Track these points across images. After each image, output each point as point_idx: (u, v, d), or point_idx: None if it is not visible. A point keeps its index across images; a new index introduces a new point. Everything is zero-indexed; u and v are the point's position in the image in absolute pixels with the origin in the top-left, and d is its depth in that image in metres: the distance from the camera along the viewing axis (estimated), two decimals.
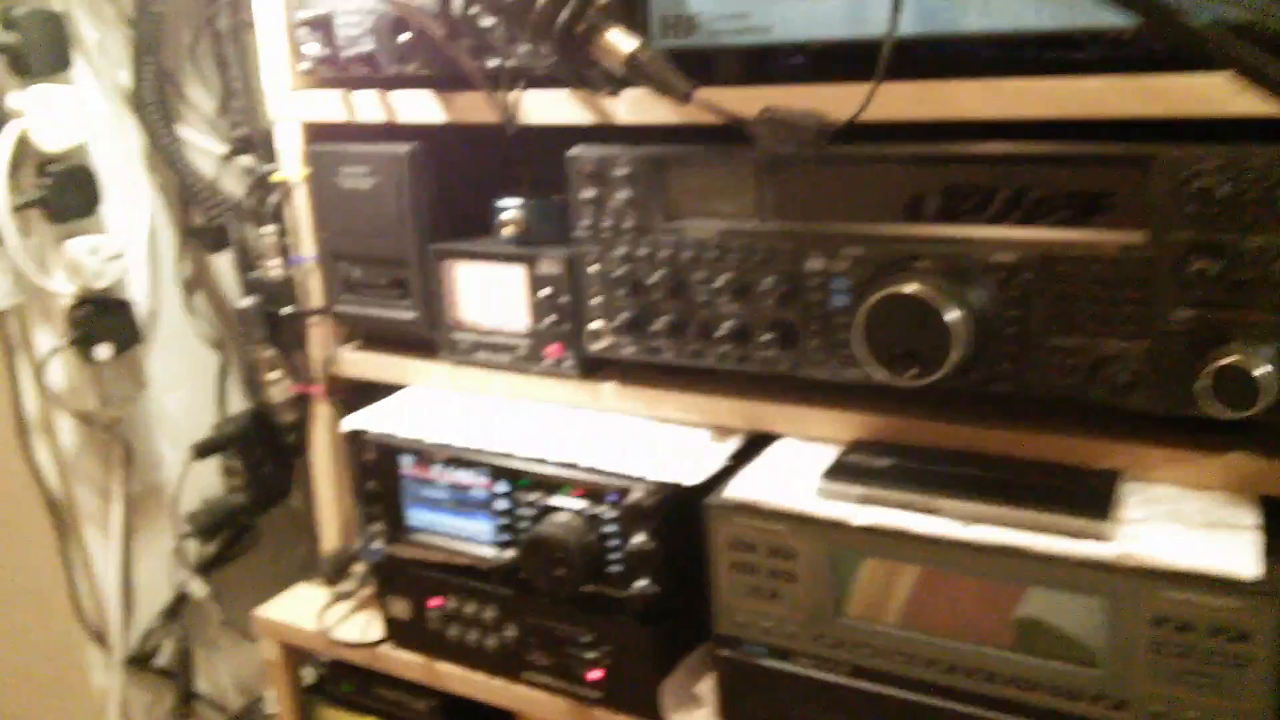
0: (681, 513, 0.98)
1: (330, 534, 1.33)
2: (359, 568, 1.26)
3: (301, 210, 1.21)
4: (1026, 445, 0.90)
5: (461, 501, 1.07)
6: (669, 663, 1.03)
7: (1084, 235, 0.82)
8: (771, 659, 0.94)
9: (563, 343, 1.09)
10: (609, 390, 1.08)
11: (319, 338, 1.25)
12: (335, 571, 1.30)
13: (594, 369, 1.10)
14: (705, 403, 1.04)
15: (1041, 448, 0.90)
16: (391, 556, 1.14)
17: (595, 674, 1.04)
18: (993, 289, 0.86)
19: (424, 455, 1.08)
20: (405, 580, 1.13)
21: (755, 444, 1.02)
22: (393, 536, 1.12)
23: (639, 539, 0.97)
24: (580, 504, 1.00)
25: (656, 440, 1.03)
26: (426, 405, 1.16)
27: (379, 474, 1.11)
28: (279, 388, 1.26)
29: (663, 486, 0.96)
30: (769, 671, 0.94)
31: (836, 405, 0.98)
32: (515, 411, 1.12)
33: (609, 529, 0.98)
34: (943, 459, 0.91)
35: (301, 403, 1.29)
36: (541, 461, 1.02)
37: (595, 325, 1.04)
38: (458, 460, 1.06)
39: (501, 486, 1.04)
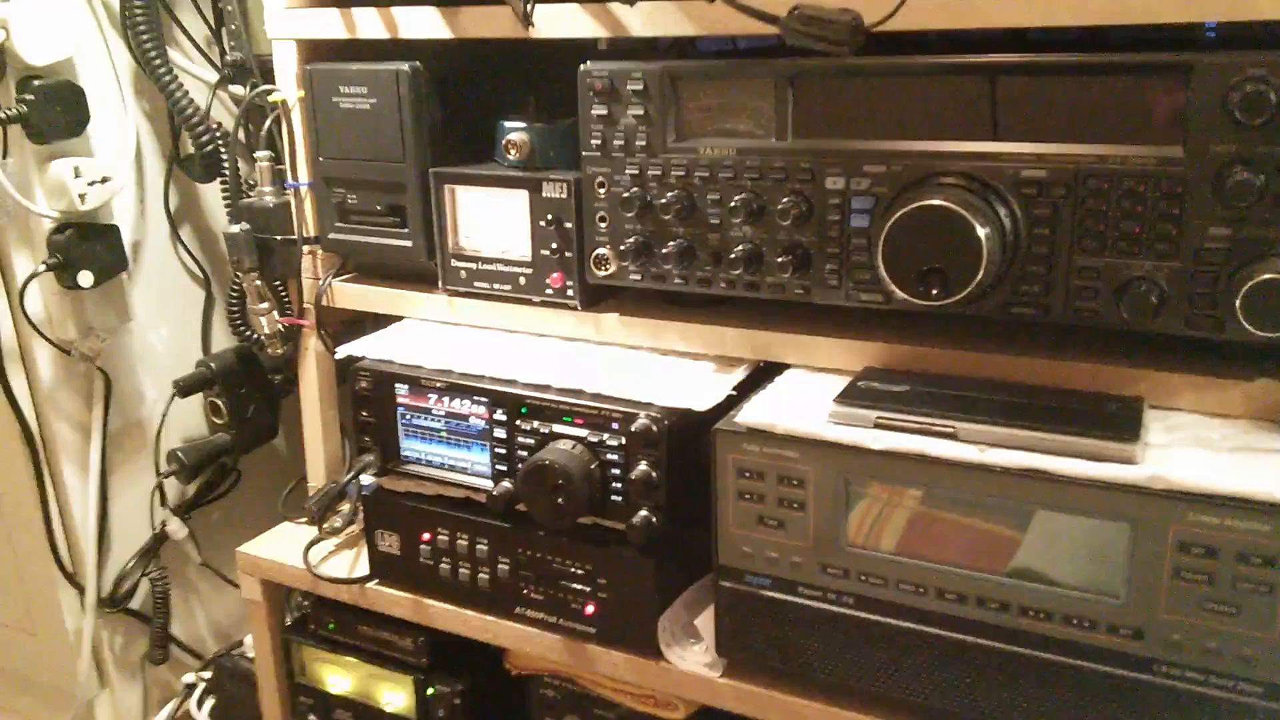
0: (686, 442, 0.95)
1: (317, 472, 1.29)
2: (346, 506, 1.22)
3: (297, 134, 1.17)
4: (1044, 372, 0.88)
5: (458, 432, 1.04)
6: (667, 597, 1.00)
7: (1118, 150, 0.80)
8: (775, 590, 0.91)
9: (565, 272, 1.05)
10: (612, 321, 1.05)
11: (311, 267, 1.21)
12: (322, 509, 1.26)
13: (597, 299, 1.07)
14: (711, 333, 1.01)
15: (1060, 374, 0.88)
16: (383, 489, 1.11)
17: (590, 608, 1.01)
18: (1021, 207, 0.84)
19: (420, 384, 1.04)
20: (396, 514, 1.10)
21: (762, 375, 0.99)
22: (385, 469, 1.09)
23: (642, 468, 0.93)
24: (582, 433, 0.96)
25: (660, 371, 1.00)
26: (422, 336, 1.12)
27: (373, 403, 1.07)
28: (267, 319, 1.22)
29: (668, 413, 0.93)
30: (772, 603, 0.91)
31: (847, 333, 0.96)
32: (514, 343, 1.09)
33: (611, 458, 0.95)
34: (959, 385, 0.89)
35: (290, 336, 1.25)
36: (543, 389, 0.99)
37: (601, 251, 1.01)
38: (455, 388, 1.03)
39: (500, 415, 1.00)
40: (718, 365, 1.01)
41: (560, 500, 0.94)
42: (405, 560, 1.10)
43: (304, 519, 1.28)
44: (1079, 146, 0.81)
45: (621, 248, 0.99)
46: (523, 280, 1.08)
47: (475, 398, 1.02)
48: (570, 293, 1.06)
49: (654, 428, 0.92)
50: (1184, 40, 0.85)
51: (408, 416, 1.06)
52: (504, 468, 1.01)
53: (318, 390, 1.26)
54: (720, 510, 0.91)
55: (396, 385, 1.06)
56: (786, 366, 0.99)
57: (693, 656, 0.97)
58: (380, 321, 1.18)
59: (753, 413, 0.89)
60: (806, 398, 0.91)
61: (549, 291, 1.07)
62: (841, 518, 0.87)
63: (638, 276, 1.01)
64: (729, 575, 0.93)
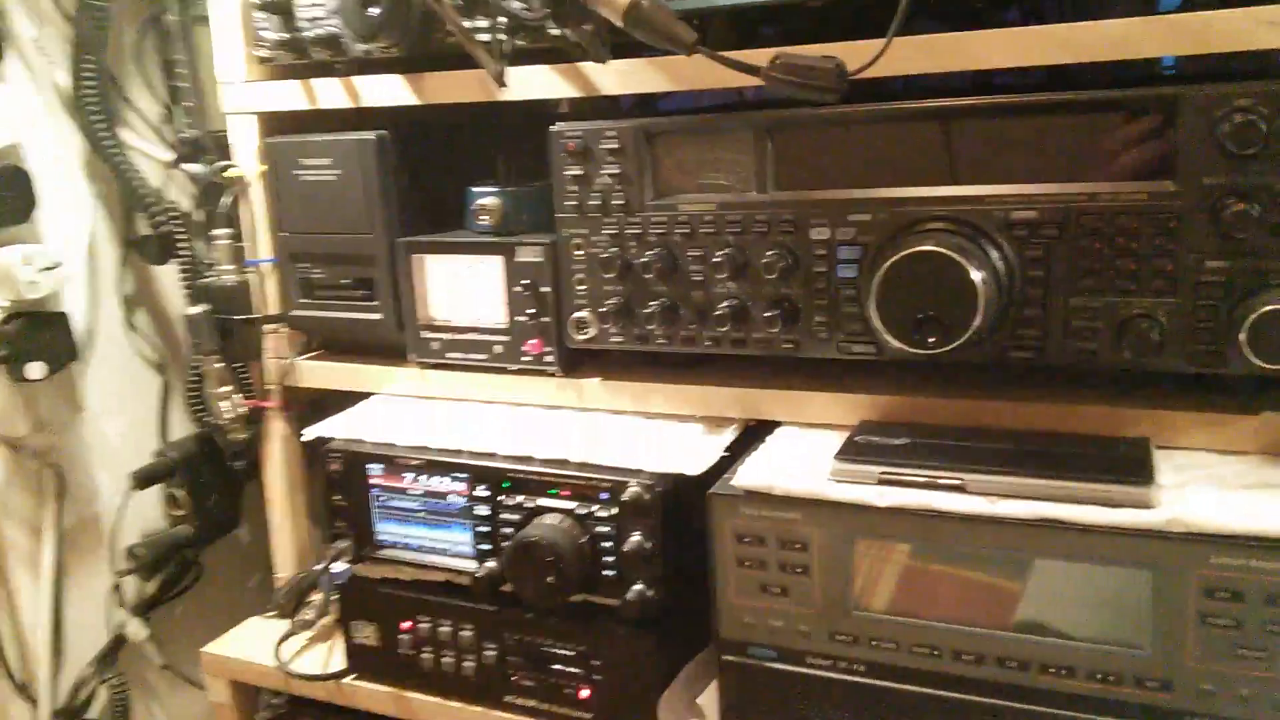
0: (679, 509, 0.91)
1: (285, 561, 1.23)
2: (318, 596, 1.16)
3: (258, 209, 1.14)
4: (1044, 417, 0.86)
5: (437, 511, 0.99)
6: (666, 675, 0.94)
7: (1109, 187, 0.78)
8: (782, 661, 0.86)
9: (543, 337, 1.02)
10: (594, 386, 1.01)
11: (275, 346, 1.17)
12: (291, 601, 1.19)
13: (577, 364, 1.03)
14: (697, 393, 0.97)
15: (1060, 418, 0.85)
16: (358, 577, 1.05)
17: (585, 692, 0.95)
18: (1013, 249, 0.82)
19: (395, 462, 0.99)
20: (373, 602, 1.04)
21: (751, 435, 0.95)
22: (360, 554, 1.03)
23: (636, 538, 0.89)
24: (570, 505, 0.92)
25: (647, 436, 0.96)
26: (394, 413, 1.08)
27: (345, 486, 1.02)
28: (229, 403, 1.17)
29: (661, 479, 0.89)
30: (779, 675, 0.86)
31: (838, 387, 0.93)
32: (492, 415, 1.04)
33: (602, 530, 0.91)
34: (959, 435, 0.86)
35: (253, 420, 1.20)
36: (525, 461, 0.95)
37: (580, 314, 0.98)
38: (433, 465, 0.98)
39: (482, 491, 0.96)
40: (707, 426, 0.97)
41: (550, 579, 0.89)
42: (384, 652, 1.04)
43: (273, 613, 1.21)
44: (1069, 185, 0.80)
45: (602, 309, 0.96)
46: (498, 348, 1.04)
47: (454, 474, 0.97)
48: (549, 359, 1.02)
49: (646, 495, 0.88)
50: (1146, 78, 0.84)
51: (382, 498, 1.01)
52: (488, 546, 0.96)
53: (284, 475, 1.21)
54: (719, 580, 0.87)
55: (369, 466, 1.01)
56: (777, 424, 0.96)
57: None
58: (347, 400, 1.13)
59: (749, 475, 0.85)
60: (802, 456, 0.88)
61: (526, 359, 1.03)
62: (848, 580, 0.83)
63: (619, 338, 0.97)
64: (731, 648, 0.88)
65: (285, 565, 1.23)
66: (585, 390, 1.02)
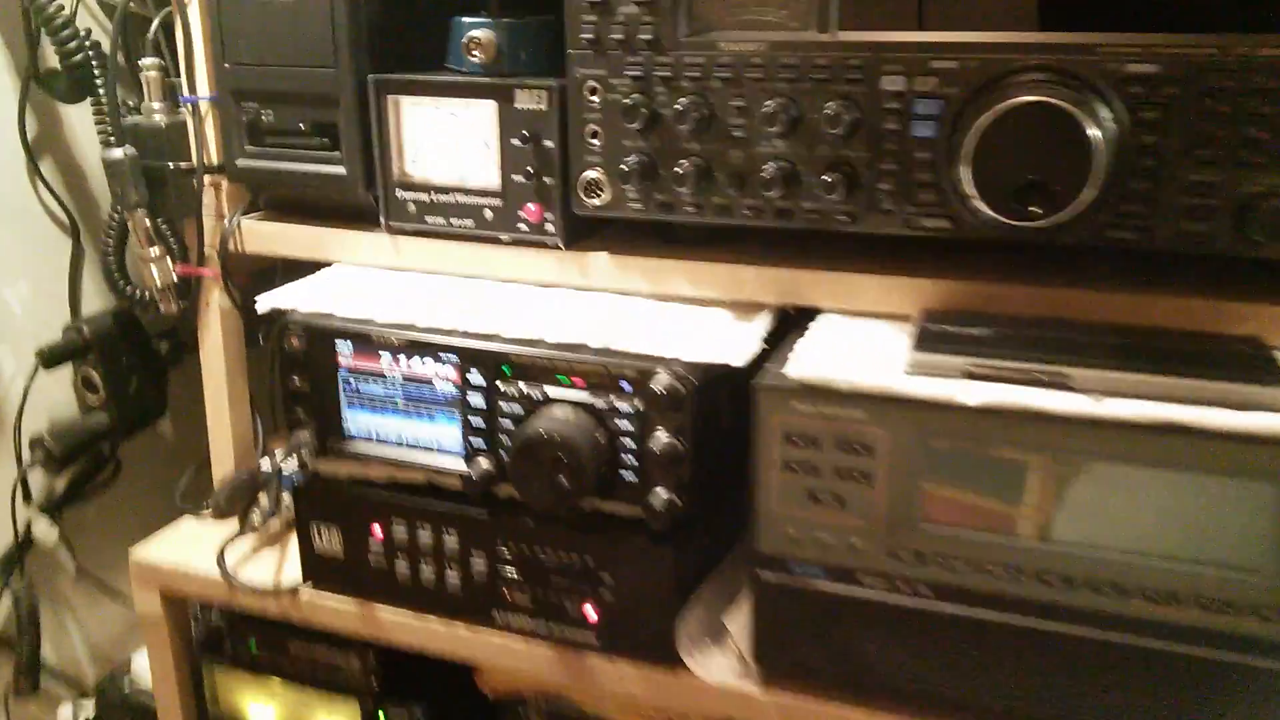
0: (712, 405, 0.78)
1: (223, 455, 1.07)
2: (263, 497, 1.01)
3: (196, 36, 0.94)
4: (1133, 309, 0.74)
5: (420, 400, 0.84)
6: (685, 594, 0.82)
7: (1245, 40, 0.66)
8: (830, 581, 0.75)
9: (543, 202, 0.86)
10: (601, 262, 0.87)
11: (215, 202, 0.99)
12: (233, 502, 1.04)
13: (581, 236, 0.88)
14: (725, 273, 0.83)
15: (1155, 311, 0.74)
16: (319, 474, 0.90)
17: (591, 612, 0.83)
18: (1125, 109, 0.69)
19: (371, 340, 0.84)
20: (337, 505, 0.89)
21: (785, 325, 0.82)
22: (323, 448, 0.88)
23: (662, 438, 0.76)
24: (583, 396, 0.78)
25: (665, 321, 0.82)
26: (362, 285, 0.92)
27: (307, 367, 0.86)
28: (159, 268, 0.99)
29: (695, 369, 0.76)
30: (825, 597, 0.75)
31: (892, 270, 0.80)
32: (478, 292, 0.89)
33: (622, 425, 0.77)
34: (1046, 326, 0.74)
35: (185, 292, 1.02)
36: (532, 343, 0.80)
37: (592, 175, 0.82)
38: (416, 346, 0.83)
39: (476, 377, 0.81)
40: (735, 313, 0.84)
41: (561, 480, 0.75)
42: (349, 561, 0.90)
43: (208, 513, 1.05)
44: (1197, 36, 0.67)
45: (623, 167, 0.81)
46: (488, 214, 0.89)
47: (442, 357, 0.82)
48: (550, 228, 0.87)
49: (680, 387, 0.74)
50: None
51: (353, 383, 0.86)
52: (481, 442, 0.82)
53: (224, 356, 1.04)
54: (761, 486, 0.75)
55: (339, 343, 0.85)
56: (815, 313, 0.83)
57: (721, 664, 0.81)
58: (299, 272, 0.96)
59: (803, 365, 0.72)
60: (856, 348, 0.75)
61: (522, 227, 0.88)
62: (918, 490, 0.71)
63: (639, 205, 0.82)
64: (770, 565, 0.76)
65: (224, 460, 1.07)
66: (591, 267, 0.87)
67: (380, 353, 0.84)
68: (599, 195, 0.83)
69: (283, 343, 0.85)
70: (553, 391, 0.79)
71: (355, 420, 0.87)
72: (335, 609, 0.92)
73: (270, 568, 0.96)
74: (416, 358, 0.83)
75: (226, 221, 0.99)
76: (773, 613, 0.77)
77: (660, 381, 0.75)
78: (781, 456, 0.74)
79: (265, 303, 0.88)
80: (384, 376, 0.85)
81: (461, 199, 0.89)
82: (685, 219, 0.82)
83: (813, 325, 0.80)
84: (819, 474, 0.73)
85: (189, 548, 1.01)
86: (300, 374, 0.86)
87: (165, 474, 1.22)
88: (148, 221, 0.98)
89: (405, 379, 0.84)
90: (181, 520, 1.06)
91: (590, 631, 0.83)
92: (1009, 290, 0.77)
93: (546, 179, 0.86)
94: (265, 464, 1.05)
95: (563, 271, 0.88)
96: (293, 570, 0.94)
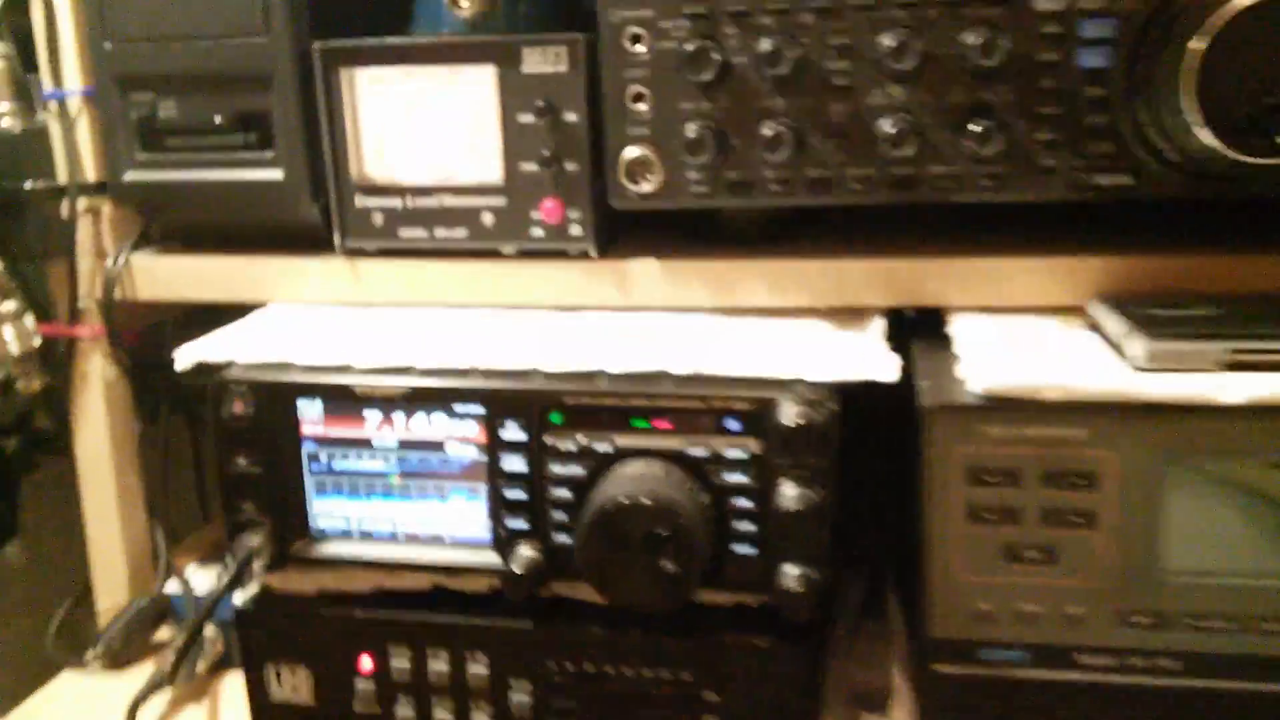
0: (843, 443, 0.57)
1: (112, 582, 0.79)
2: (180, 633, 0.74)
3: (62, 6, 0.69)
4: None
5: (424, 474, 0.60)
6: (818, 707, 0.61)
7: None
8: (1037, 667, 0.55)
9: (565, 197, 0.65)
10: (648, 272, 0.66)
11: (93, 234, 0.73)
12: (130, 645, 0.76)
13: (613, 238, 0.67)
14: (820, 273, 0.64)
15: None
16: (274, 593, 0.64)
17: None
18: None
19: (352, 396, 0.60)
20: (306, 633, 0.63)
21: (898, 333, 0.63)
22: (281, 555, 0.62)
23: (790, 492, 0.54)
24: (671, 444, 0.56)
25: (744, 339, 0.61)
26: (314, 326, 0.67)
27: (257, 440, 0.61)
28: (14, 330, 0.72)
29: (828, 393, 0.55)
30: (1031, 688, 0.55)
31: (1043, 250, 0.62)
32: (472, 329, 0.66)
33: (731, 480, 0.56)
34: (1266, 304, 0.57)
35: (53, 360, 0.75)
36: (589, 377, 0.58)
37: (637, 152, 0.62)
38: (422, 397, 0.59)
39: (514, 431, 0.58)
40: (832, 322, 0.64)
41: (666, 563, 0.53)
42: (327, 713, 0.64)
43: (96, 663, 0.77)
44: None
45: (685, 136, 0.60)
46: (488, 219, 0.67)
47: (459, 408, 0.59)
48: (575, 230, 0.65)
49: (817, 417, 0.53)
50: None
51: (324, 459, 0.61)
52: (521, 524, 0.59)
53: (109, 444, 0.77)
54: (934, 547, 0.54)
55: (302, 404, 0.60)
56: (935, 319, 0.64)
57: None
58: (216, 322, 0.71)
59: (988, 372, 0.53)
60: (1026, 350, 0.56)
61: (536, 233, 0.66)
62: (1159, 529, 0.52)
63: (703, 188, 0.62)
64: (948, 653, 0.55)
65: (112, 588, 0.79)
66: (633, 279, 0.66)
67: (364, 412, 0.60)
68: (647, 180, 0.62)
69: (220, 409, 0.60)
70: (626, 442, 0.56)
71: (328, 511, 0.62)
72: None
73: None
74: (420, 414, 0.59)
75: (111, 260, 0.73)
76: (953, 716, 0.56)
77: (788, 413, 0.54)
78: (966, 502, 0.53)
79: (186, 356, 0.62)
80: (369, 446, 0.60)
81: (449, 202, 0.67)
82: (771, 201, 0.61)
83: (956, 327, 0.61)
84: (1019, 520, 0.53)
85: (77, 715, 0.72)
86: (246, 452, 0.61)
87: (21, 621, 0.92)
88: None
89: (402, 446, 0.60)
90: (59, 677, 0.77)
91: None
92: (1209, 263, 0.60)
93: (569, 165, 0.64)
94: (171, 586, 0.78)
95: (593, 288, 0.66)
96: None
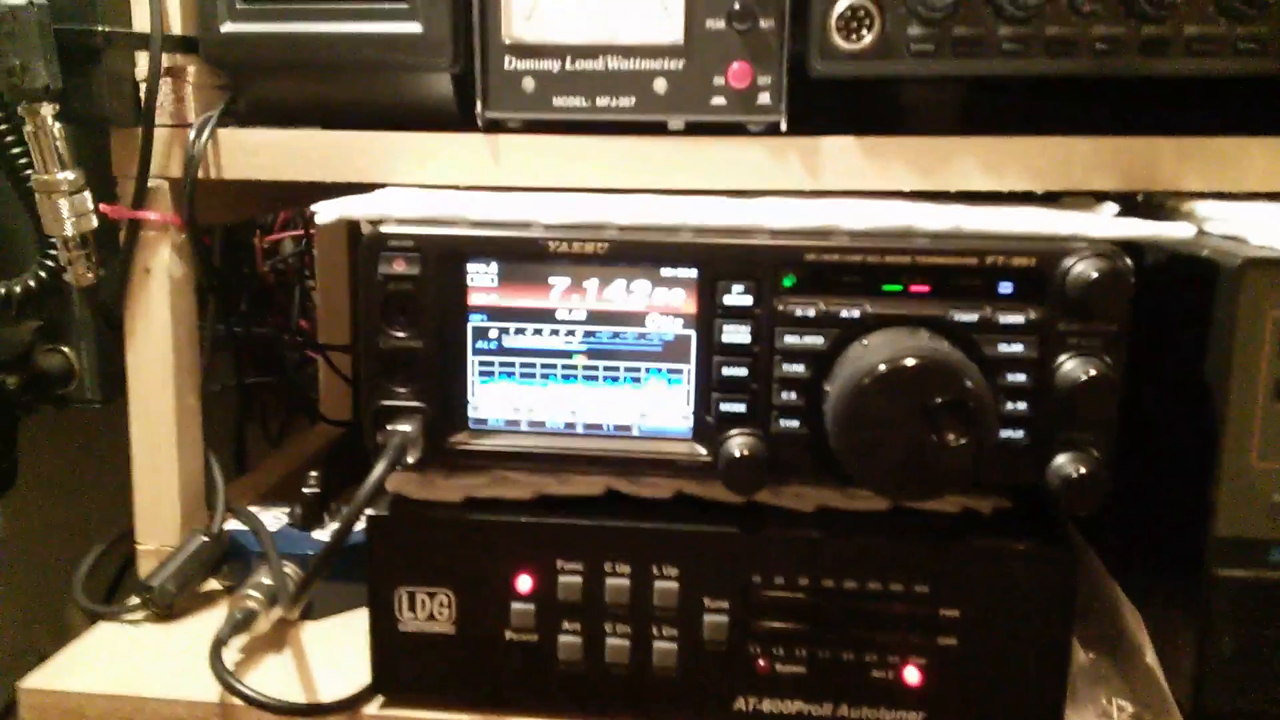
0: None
1: (162, 518, 0.67)
2: (260, 578, 0.62)
3: None
4: None
5: (617, 354, 0.51)
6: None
7: None
8: None
9: (756, 59, 0.57)
10: (841, 149, 0.58)
11: (174, 99, 0.62)
12: (187, 590, 0.64)
13: (808, 113, 0.60)
14: (1042, 151, 0.57)
15: None
16: (407, 502, 0.54)
17: (914, 676, 0.51)
18: None
19: (542, 252, 0.50)
20: (450, 547, 0.53)
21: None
22: (437, 447, 0.52)
23: (1078, 367, 0.47)
24: (931, 308, 0.48)
25: (970, 216, 0.54)
26: (448, 200, 0.58)
27: (417, 309, 0.51)
28: (71, 207, 0.60)
29: (1119, 250, 0.48)
30: None
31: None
32: (641, 212, 0.57)
33: (1005, 350, 0.48)
34: None
35: (108, 249, 0.64)
36: (825, 233, 0.50)
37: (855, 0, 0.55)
38: (624, 253, 0.50)
39: (738, 296, 0.49)
40: (1057, 208, 0.57)
41: (955, 437, 0.45)
42: (470, 644, 0.53)
43: (141, 614, 0.65)
44: None
45: None
46: (661, 85, 0.58)
47: (666, 271, 0.50)
48: (765, 98, 0.58)
49: (1114, 269, 0.46)
50: None
51: (492, 334, 0.52)
52: (739, 407, 0.50)
53: (171, 355, 0.65)
54: (1230, 428, 0.47)
55: (473, 266, 0.51)
56: (1159, 206, 0.58)
57: None
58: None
59: None
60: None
61: (718, 101, 0.58)
62: None
63: (927, 46, 0.55)
64: (1236, 555, 0.48)
65: (161, 525, 0.67)
66: (824, 157, 0.58)
67: (550, 277, 0.51)
68: (863, 34, 0.55)
69: (375, 268, 0.50)
70: (877, 308, 0.48)
71: (493, 398, 0.52)
72: None
73: (294, 682, 0.58)
74: (619, 281, 0.50)
75: (194, 132, 0.62)
76: (1240, 631, 0.49)
77: (1084, 271, 0.46)
78: (1274, 376, 0.47)
79: (329, 211, 0.52)
80: (552, 318, 0.51)
81: (616, 64, 0.59)
82: (1003, 67, 0.55)
83: (1202, 209, 0.55)
84: None
85: (124, 666, 0.60)
86: (403, 323, 0.51)
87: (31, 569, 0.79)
88: (56, 125, 0.59)
89: (592, 319, 0.51)
90: (94, 630, 0.64)
91: (912, 710, 0.52)
92: None
93: (764, 22, 0.57)
94: (233, 525, 0.67)
95: (779, 169, 0.59)
96: (342, 679, 0.56)
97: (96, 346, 0.72)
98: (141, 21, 0.61)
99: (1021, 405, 0.48)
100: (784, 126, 0.58)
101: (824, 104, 0.60)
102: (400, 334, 0.50)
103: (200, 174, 0.62)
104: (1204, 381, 0.48)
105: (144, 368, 0.65)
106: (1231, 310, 0.46)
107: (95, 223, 0.62)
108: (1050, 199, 0.59)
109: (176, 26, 0.62)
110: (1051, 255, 0.47)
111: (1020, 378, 0.48)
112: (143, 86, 0.62)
